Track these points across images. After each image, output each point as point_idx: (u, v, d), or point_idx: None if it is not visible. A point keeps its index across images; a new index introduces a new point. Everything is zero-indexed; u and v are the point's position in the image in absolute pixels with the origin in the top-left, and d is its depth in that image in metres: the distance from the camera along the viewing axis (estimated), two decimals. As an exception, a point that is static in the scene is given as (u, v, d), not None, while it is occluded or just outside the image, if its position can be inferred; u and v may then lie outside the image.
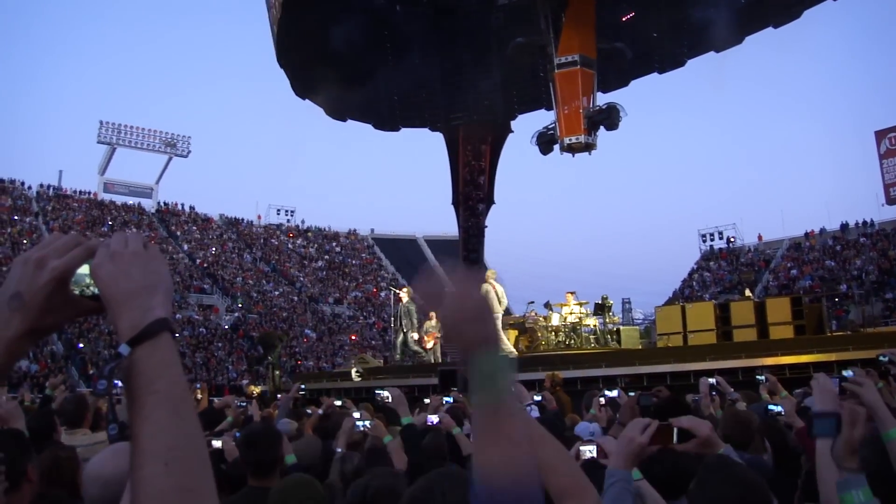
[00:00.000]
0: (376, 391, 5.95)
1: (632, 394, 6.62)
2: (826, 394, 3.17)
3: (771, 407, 4.86)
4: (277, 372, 24.98)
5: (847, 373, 5.25)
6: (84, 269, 1.20)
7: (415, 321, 18.70)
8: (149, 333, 1.12)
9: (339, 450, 5.14)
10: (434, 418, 5.64)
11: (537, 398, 6.99)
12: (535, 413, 6.25)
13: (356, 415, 5.86)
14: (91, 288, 1.20)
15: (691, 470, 3.23)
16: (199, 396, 12.26)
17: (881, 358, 5.34)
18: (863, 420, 2.94)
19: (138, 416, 1.07)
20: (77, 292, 1.20)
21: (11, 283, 1.19)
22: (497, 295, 17.79)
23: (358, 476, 3.93)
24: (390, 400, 5.32)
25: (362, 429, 5.43)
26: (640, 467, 3.09)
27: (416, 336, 18.66)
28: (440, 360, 18.99)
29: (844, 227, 47.92)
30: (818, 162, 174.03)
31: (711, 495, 2.49)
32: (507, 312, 29.53)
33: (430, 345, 19.09)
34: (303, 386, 12.36)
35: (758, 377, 8.03)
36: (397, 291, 19.79)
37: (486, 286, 17.97)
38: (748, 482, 2.48)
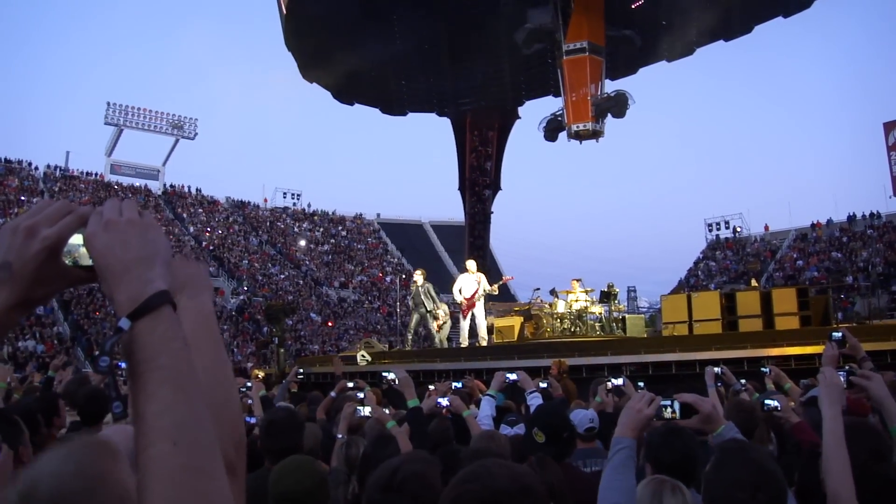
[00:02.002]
0: (382, 373, 5.94)
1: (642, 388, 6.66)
2: (833, 388, 3.18)
3: (767, 402, 4.87)
4: (283, 350, 24.87)
5: (836, 334, 5.24)
6: (77, 239, 1.16)
7: (437, 300, 18.62)
8: (150, 307, 1.08)
9: (340, 435, 5.16)
10: (444, 401, 5.66)
11: (543, 385, 7.01)
12: (539, 400, 6.28)
13: (360, 395, 5.88)
14: (84, 259, 1.15)
15: (698, 455, 3.28)
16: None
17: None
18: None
19: (142, 393, 1.04)
20: (69, 262, 1.16)
21: (0, 252, 1.14)
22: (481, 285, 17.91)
23: (366, 461, 3.95)
24: (396, 382, 5.31)
25: (362, 415, 5.44)
26: (648, 451, 3.15)
27: (442, 312, 18.57)
28: (444, 346, 19.04)
29: (851, 218, 47.78)
30: (826, 153, 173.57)
31: (727, 479, 2.52)
32: (513, 299, 29.61)
33: (441, 330, 19.08)
34: (300, 370, 12.30)
35: (762, 369, 8.04)
36: (412, 272, 19.68)
37: (477, 275, 18.06)
38: (764, 467, 2.51)
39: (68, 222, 1.15)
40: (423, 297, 18.39)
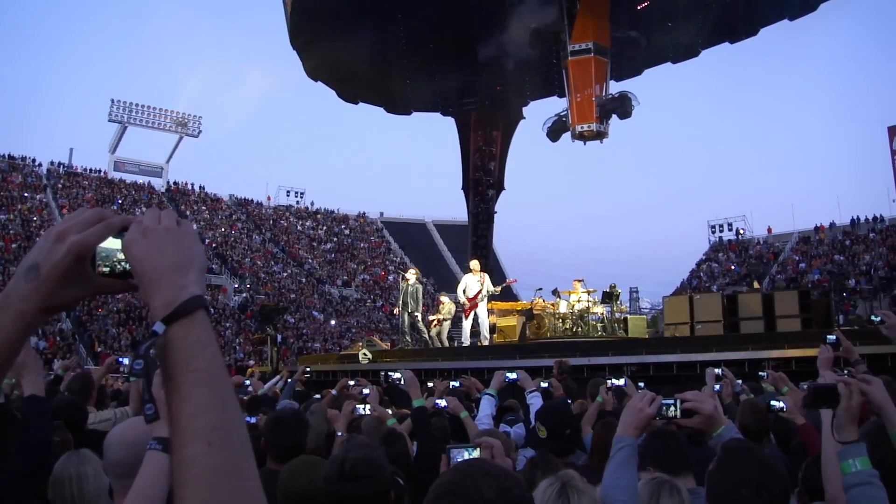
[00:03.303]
0: (389, 373, 5.97)
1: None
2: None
3: (773, 402, 4.90)
4: (276, 349, 24.93)
5: (830, 337, 5.33)
6: (115, 245, 1.18)
7: (420, 303, 18.66)
8: (184, 311, 1.09)
9: (340, 433, 5.19)
10: (442, 402, 5.69)
11: (544, 385, 7.04)
12: (539, 399, 6.32)
13: (366, 391, 5.90)
14: (122, 264, 1.18)
15: (686, 447, 3.32)
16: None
17: (873, 318, 5.38)
18: (857, 391, 2.98)
19: (177, 396, 1.06)
20: (106, 270, 1.18)
21: (33, 254, 1.18)
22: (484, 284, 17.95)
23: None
24: (402, 382, 5.35)
25: (362, 412, 5.47)
26: (642, 443, 3.18)
27: (419, 316, 18.63)
28: (444, 344, 19.07)
29: (854, 221, 47.76)
30: (830, 156, 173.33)
31: (732, 477, 2.54)
32: (515, 298, 29.64)
33: (434, 330, 19.14)
34: (308, 368, 12.32)
35: (760, 374, 8.07)
36: (403, 273, 19.71)
37: (481, 276, 18.10)
38: (768, 465, 2.54)
39: (97, 230, 1.17)
40: (409, 297, 18.45)
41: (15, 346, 1.16)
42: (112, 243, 1.18)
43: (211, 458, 1.01)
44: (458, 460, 2.44)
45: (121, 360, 7.09)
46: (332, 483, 2.73)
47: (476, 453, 2.43)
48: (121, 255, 1.18)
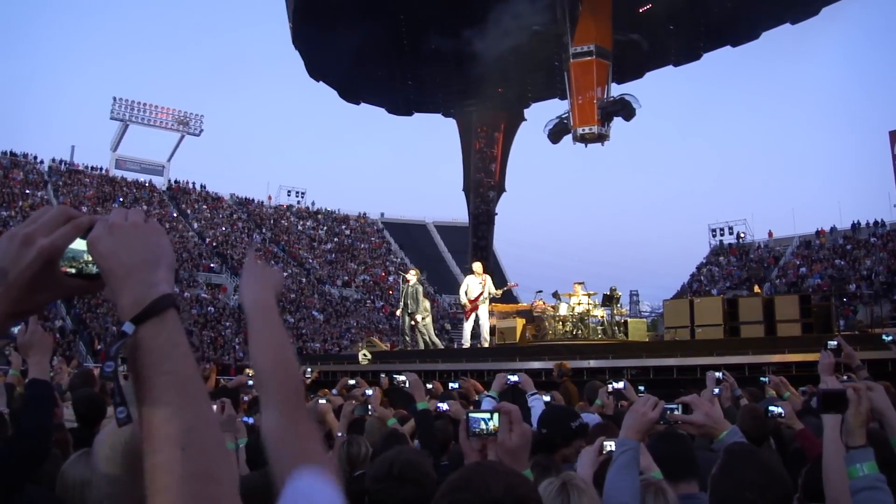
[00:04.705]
0: (394, 375, 5.98)
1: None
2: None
3: (771, 408, 4.91)
4: None
5: (832, 343, 5.36)
6: (80, 246, 1.13)
7: (420, 304, 18.63)
8: (154, 310, 1.06)
9: (340, 434, 5.20)
10: (444, 405, 5.71)
11: (546, 398, 7.04)
12: (540, 402, 6.33)
13: (369, 392, 5.92)
14: (90, 266, 1.13)
15: (693, 451, 3.33)
16: (207, 376, 12.28)
17: (884, 337, 5.43)
18: (866, 397, 3.00)
19: (148, 399, 1.03)
20: (73, 271, 1.13)
21: None
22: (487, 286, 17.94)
23: (376, 459, 4.01)
24: (407, 384, 5.37)
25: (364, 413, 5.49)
26: (647, 446, 3.20)
27: (419, 318, 18.61)
28: (434, 345, 19.04)
29: (855, 226, 47.72)
30: (831, 161, 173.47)
31: (736, 480, 2.55)
32: (515, 300, 29.62)
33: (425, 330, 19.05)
34: (309, 369, 12.29)
35: (762, 379, 8.08)
36: (404, 274, 19.67)
37: (483, 277, 18.09)
38: (771, 469, 2.54)
39: (65, 232, 1.13)
40: (409, 298, 18.43)
41: None
42: (78, 244, 1.14)
43: (185, 463, 0.98)
44: (477, 426, 2.46)
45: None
46: (378, 481, 2.76)
47: (495, 418, 2.43)
48: (88, 257, 1.13)
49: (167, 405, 1.01)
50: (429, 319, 19.26)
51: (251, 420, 5.82)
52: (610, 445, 3.20)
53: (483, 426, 2.47)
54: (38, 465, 3.10)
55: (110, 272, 1.10)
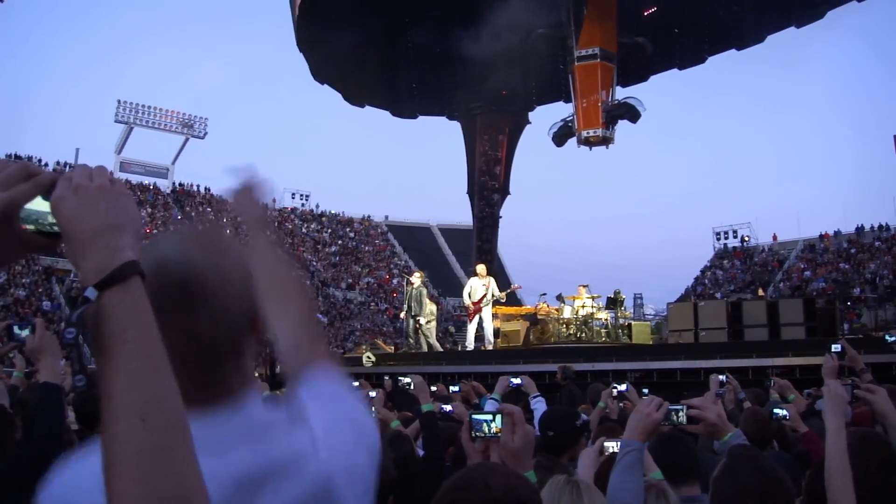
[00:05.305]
0: (399, 377, 6.00)
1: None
2: (836, 400, 3.22)
3: (776, 410, 4.92)
4: (274, 354, 25.01)
5: (836, 346, 5.37)
6: (42, 205, 1.10)
7: (424, 306, 18.63)
8: (118, 276, 1.02)
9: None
10: (448, 407, 5.72)
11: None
12: (542, 404, 6.33)
13: (372, 394, 5.94)
14: (50, 224, 1.09)
15: (696, 452, 3.33)
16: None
17: (887, 337, 5.45)
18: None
19: (109, 368, 1.00)
20: (33, 229, 1.10)
21: None
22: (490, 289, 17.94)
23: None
24: (412, 387, 5.39)
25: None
26: (650, 449, 3.21)
27: (422, 321, 18.61)
28: (433, 349, 19.04)
29: (860, 230, 47.65)
30: (835, 164, 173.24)
31: (737, 485, 2.55)
32: (519, 303, 29.65)
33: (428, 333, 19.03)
34: None
35: (766, 382, 8.08)
36: (408, 277, 19.69)
37: (487, 280, 18.09)
38: (773, 475, 2.54)
39: (24, 189, 1.09)
40: (413, 300, 18.43)
41: None
42: (39, 204, 1.10)
43: (144, 435, 0.96)
44: (480, 428, 2.46)
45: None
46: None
47: (498, 419, 2.44)
48: (50, 219, 1.09)
49: (128, 375, 0.99)
50: (433, 323, 19.27)
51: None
52: (611, 446, 3.21)
53: (486, 428, 2.48)
54: (49, 468, 3.10)
55: (73, 235, 1.06)
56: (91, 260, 1.04)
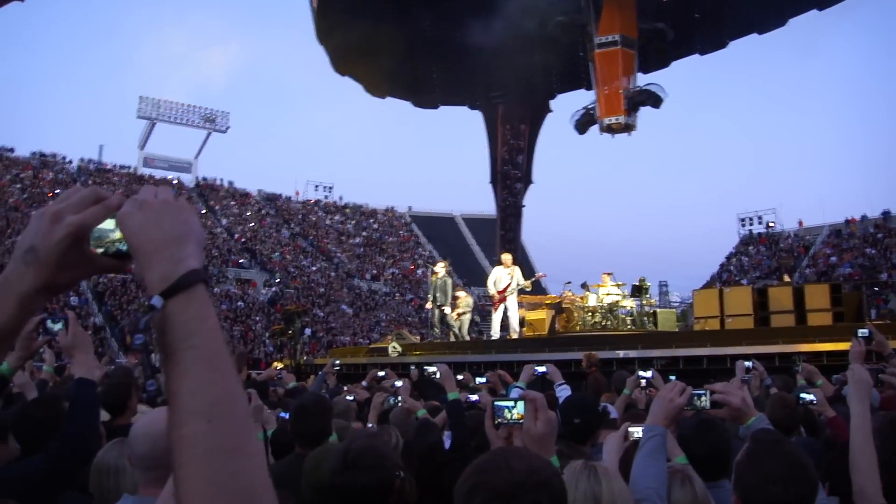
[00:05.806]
0: (425, 367, 6.04)
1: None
2: (861, 384, 3.22)
3: (803, 395, 4.90)
4: (298, 346, 25.32)
5: (863, 331, 5.35)
6: (110, 225, 1.14)
7: (449, 296, 18.67)
8: (183, 285, 1.06)
9: (371, 424, 5.25)
10: (474, 396, 5.75)
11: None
12: (568, 391, 6.35)
13: (398, 383, 5.98)
14: (117, 244, 1.14)
15: (730, 447, 3.32)
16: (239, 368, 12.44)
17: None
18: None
19: (175, 372, 1.03)
20: (101, 250, 1.15)
21: (28, 236, 1.14)
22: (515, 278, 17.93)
23: (409, 449, 4.08)
24: (438, 376, 5.41)
25: (393, 403, 5.55)
26: (680, 444, 3.19)
27: (449, 310, 18.66)
28: (464, 338, 19.09)
29: (886, 214, 47.15)
30: (861, 149, 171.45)
31: (760, 471, 2.52)
32: (544, 292, 29.61)
33: (455, 325, 19.06)
34: (337, 361, 12.41)
35: (794, 368, 8.05)
36: (432, 267, 19.75)
37: (511, 269, 18.08)
38: (797, 460, 2.51)
39: (95, 211, 1.15)
40: (438, 291, 18.46)
41: (14, 329, 1.14)
42: (107, 224, 1.15)
43: (211, 437, 0.99)
44: (502, 414, 2.48)
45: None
46: (335, 473, 2.69)
47: (520, 405, 2.46)
48: (114, 236, 1.14)
49: (193, 379, 1.02)
50: (467, 315, 19.29)
51: (286, 416, 5.91)
52: (636, 431, 3.21)
53: (508, 414, 2.50)
54: (85, 464, 3.14)
55: (139, 248, 1.11)
56: (156, 271, 1.08)
